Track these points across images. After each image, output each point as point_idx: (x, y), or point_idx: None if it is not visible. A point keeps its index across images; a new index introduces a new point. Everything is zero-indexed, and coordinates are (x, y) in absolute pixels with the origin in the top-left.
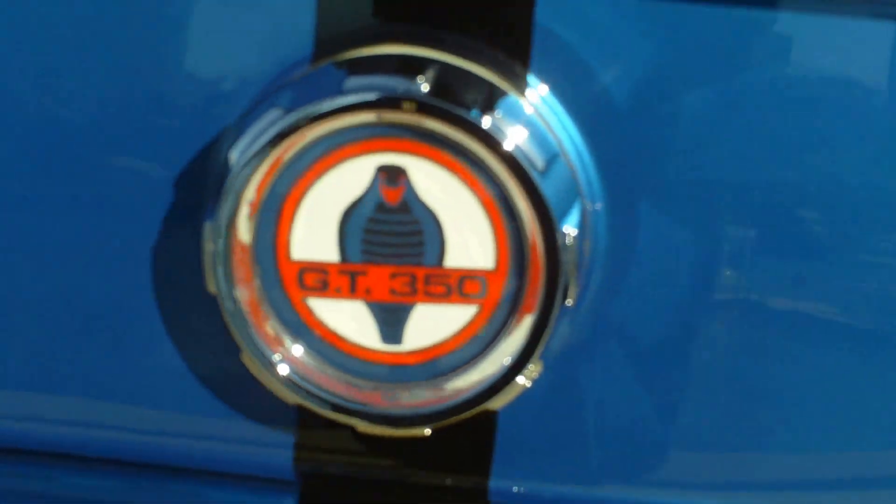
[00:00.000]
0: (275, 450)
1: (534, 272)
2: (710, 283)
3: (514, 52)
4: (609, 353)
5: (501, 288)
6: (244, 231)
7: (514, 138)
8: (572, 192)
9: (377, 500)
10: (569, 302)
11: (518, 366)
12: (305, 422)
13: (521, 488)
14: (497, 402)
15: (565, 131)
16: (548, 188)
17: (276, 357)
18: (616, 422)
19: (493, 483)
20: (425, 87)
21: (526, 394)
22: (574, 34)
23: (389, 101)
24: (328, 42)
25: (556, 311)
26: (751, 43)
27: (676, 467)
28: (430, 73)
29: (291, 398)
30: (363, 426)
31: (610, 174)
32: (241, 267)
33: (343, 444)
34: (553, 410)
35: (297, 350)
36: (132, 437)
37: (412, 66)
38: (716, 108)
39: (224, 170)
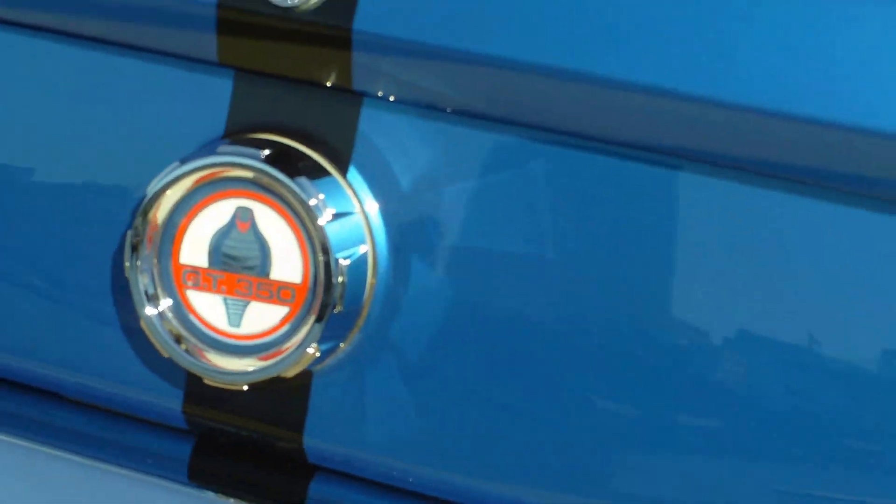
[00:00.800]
0: (168, 399)
1: (321, 289)
2: (457, 303)
3: (338, 150)
4: (388, 347)
5: (304, 297)
6: (154, 241)
7: (315, 197)
8: (356, 239)
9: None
10: (338, 309)
11: (305, 346)
12: (192, 381)
13: (335, 450)
14: (292, 371)
15: (362, 205)
16: (332, 233)
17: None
18: (400, 402)
19: (307, 441)
20: (264, 159)
21: (337, 368)
22: (385, 141)
23: (240, 165)
24: (231, 129)
25: (327, 317)
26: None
27: (445, 448)
28: (274, 151)
29: (162, 352)
30: (207, 378)
31: (391, 230)
32: (150, 262)
33: (196, 393)
34: (357, 384)
35: (176, 322)
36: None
37: (264, 145)
38: (464, 203)
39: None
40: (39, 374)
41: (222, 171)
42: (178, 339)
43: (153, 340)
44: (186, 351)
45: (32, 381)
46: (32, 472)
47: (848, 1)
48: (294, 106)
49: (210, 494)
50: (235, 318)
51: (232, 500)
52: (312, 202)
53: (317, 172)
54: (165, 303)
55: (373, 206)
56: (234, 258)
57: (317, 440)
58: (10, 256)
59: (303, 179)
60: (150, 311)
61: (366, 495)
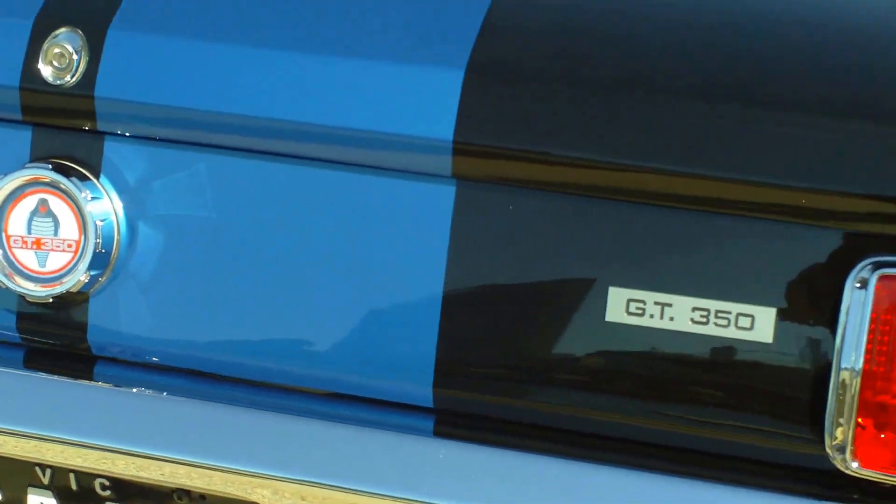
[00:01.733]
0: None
1: (89, 241)
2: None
3: (93, 165)
4: (130, 275)
5: (80, 247)
6: None
7: (81, 189)
8: (105, 213)
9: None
10: (99, 250)
11: (80, 273)
12: (20, 302)
13: (113, 343)
14: (76, 289)
15: (108, 194)
16: (91, 209)
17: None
18: (145, 305)
19: (90, 337)
20: (52, 169)
21: (102, 290)
22: (119, 159)
23: (39, 175)
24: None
25: (90, 256)
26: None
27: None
28: (57, 167)
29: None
30: (27, 297)
31: (127, 207)
32: None
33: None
34: (115, 298)
35: (7, 267)
36: None
37: (54, 165)
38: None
39: None
40: None
41: (31, 178)
42: (9, 276)
43: None
44: (14, 283)
45: None
46: None
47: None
48: (68, 141)
49: None
50: (42, 262)
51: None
52: (81, 192)
53: (82, 177)
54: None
55: (115, 195)
56: (39, 228)
57: (98, 338)
58: None
59: (74, 180)
60: None
61: (138, 373)
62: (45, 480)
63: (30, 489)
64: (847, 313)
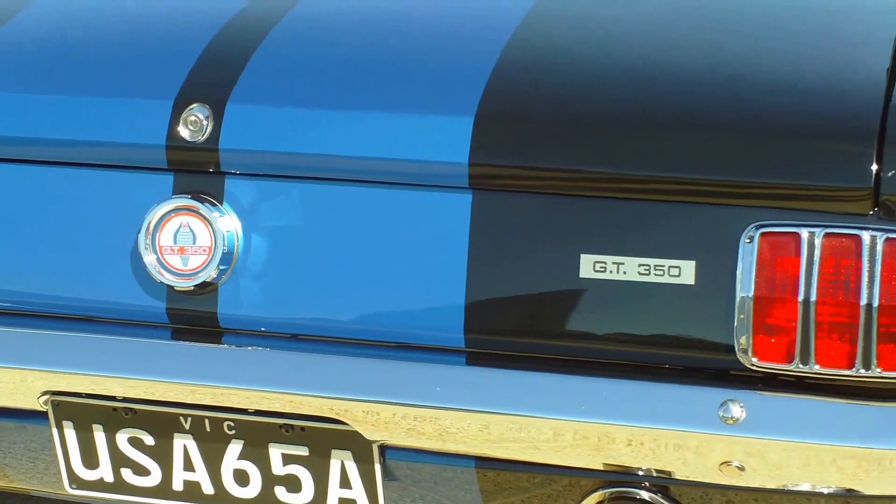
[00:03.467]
0: (154, 302)
1: (218, 245)
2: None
3: (217, 193)
4: (248, 270)
5: (211, 250)
6: (152, 234)
7: (214, 210)
8: (230, 228)
9: None
10: (223, 251)
11: (212, 268)
12: (170, 291)
13: (242, 318)
14: (210, 279)
15: (231, 216)
16: (219, 226)
17: None
18: (261, 289)
19: (221, 318)
20: (192, 198)
21: (227, 281)
22: (239, 189)
23: (184, 202)
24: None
25: (220, 256)
26: None
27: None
28: (196, 195)
29: (155, 278)
30: (175, 287)
31: (245, 227)
32: (154, 243)
33: None
34: (238, 286)
35: (160, 266)
36: None
37: (195, 194)
38: None
39: None
40: None
41: (176, 205)
42: (161, 273)
43: (150, 272)
44: (165, 278)
45: None
46: None
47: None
48: (200, 180)
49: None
50: (184, 263)
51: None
52: (211, 213)
53: (211, 203)
54: (153, 257)
55: (234, 214)
56: (182, 238)
57: (225, 314)
58: None
59: (206, 204)
60: (149, 258)
61: (254, 339)
62: (186, 426)
63: (175, 435)
64: (742, 260)
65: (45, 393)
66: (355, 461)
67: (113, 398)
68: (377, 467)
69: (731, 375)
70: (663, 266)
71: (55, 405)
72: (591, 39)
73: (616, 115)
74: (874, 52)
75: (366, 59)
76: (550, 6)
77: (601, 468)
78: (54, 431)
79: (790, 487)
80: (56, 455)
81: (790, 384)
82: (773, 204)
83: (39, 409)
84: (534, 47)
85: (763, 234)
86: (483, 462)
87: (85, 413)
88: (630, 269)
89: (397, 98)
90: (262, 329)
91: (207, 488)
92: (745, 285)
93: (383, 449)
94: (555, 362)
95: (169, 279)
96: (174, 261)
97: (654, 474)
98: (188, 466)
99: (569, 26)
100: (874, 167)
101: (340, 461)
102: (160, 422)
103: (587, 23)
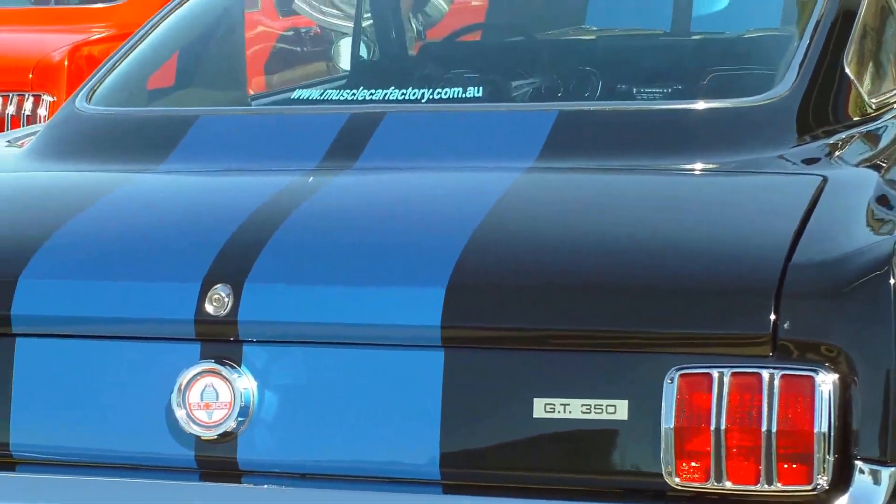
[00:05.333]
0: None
1: (237, 400)
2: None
3: (236, 357)
4: (262, 420)
5: (233, 403)
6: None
7: (234, 374)
8: (247, 387)
9: None
10: (241, 406)
11: (242, 416)
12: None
13: (264, 459)
14: (240, 429)
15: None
16: (238, 386)
17: None
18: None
19: (240, 456)
20: (214, 361)
21: (250, 427)
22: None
23: (204, 364)
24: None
25: (240, 406)
26: None
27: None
28: (214, 356)
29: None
30: (201, 436)
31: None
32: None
33: None
34: (256, 434)
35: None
36: None
37: (220, 357)
38: None
39: None
40: None
41: (202, 368)
42: (189, 424)
43: (181, 425)
44: (192, 429)
45: None
46: None
47: None
48: (224, 348)
49: None
50: (209, 416)
51: None
52: (231, 374)
53: (231, 366)
54: (183, 412)
55: (250, 374)
56: (207, 396)
57: (245, 458)
58: None
59: (227, 367)
60: (179, 412)
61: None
62: None
63: None
64: (665, 397)
65: None
66: None
67: None
68: None
69: (662, 495)
70: (602, 405)
71: None
72: (544, 223)
73: (566, 283)
74: (787, 216)
75: (358, 244)
76: (515, 197)
77: None
78: None
79: None
80: None
81: (709, 500)
82: (692, 350)
83: None
84: (499, 230)
85: (682, 375)
86: None
87: None
88: (574, 408)
89: (382, 273)
90: (275, 470)
91: None
92: (668, 418)
93: None
94: (516, 490)
95: (196, 430)
96: (201, 415)
97: None
98: None
99: (526, 215)
100: (772, 317)
101: None
102: None
103: (542, 209)
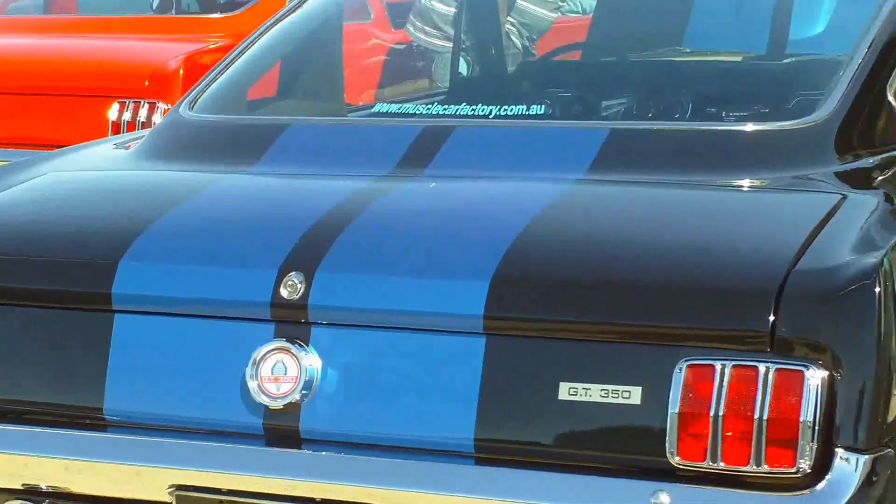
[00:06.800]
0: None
1: (301, 374)
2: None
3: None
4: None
5: (299, 376)
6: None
7: (300, 352)
8: (312, 362)
9: None
10: (306, 379)
11: (307, 387)
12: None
13: (325, 427)
14: (306, 399)
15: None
16: (306, 363)
17: None
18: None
19: (301, 424)
20: (285, 339)
21: (313, 397)
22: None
23: (275, 342)
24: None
25: (304, 378)
26: None
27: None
28: (281, 338)
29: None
30: (268, 405)
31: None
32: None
33: None
34: (317, 403)
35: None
36: None
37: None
38: None
39: None
40: None
41: (273, 347)
42: (259, 395)
43: (252, 395)
44: (261, 399)
45: None
46: None
47: None
48: (296, 328)
49: None
50: (278, 388)
51: None
52: (300, 352)
53: (321, 344)
54: (255, 384)
55: (315, 353)
56: (277, 370)
57: (306, 426)
58: None
59: (296, 345)
60: (252, 384)
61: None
62: None
63: None
64: (673, 385)
65: (171, 486)
66: None
67: (219, 491)
68: None
69: (665, 472)
70: (618, 390)
71: (179, 498)
72: (582, 228)
73: (594, 282)
74: (800, 229)
75: (417, 241)
76: (561, 205)
77: None
78: None
79: None
80: None
81: (706, 478)
82: (700, 344)
83: (165, 499)
84: (540, 233)
85: (689, 366)
86: None
87: (199, 503)
88: (594, 392)
89: (435, 267)
90: (332, 439)
91: None
92: (674, 404)
93: None
94: (539, 464)
95: (265, 400)
96: (270, 387)
97: None
98: None
99: (567, 221)
100: (772, 318)
101: None
102: None
103: (582, 217)
